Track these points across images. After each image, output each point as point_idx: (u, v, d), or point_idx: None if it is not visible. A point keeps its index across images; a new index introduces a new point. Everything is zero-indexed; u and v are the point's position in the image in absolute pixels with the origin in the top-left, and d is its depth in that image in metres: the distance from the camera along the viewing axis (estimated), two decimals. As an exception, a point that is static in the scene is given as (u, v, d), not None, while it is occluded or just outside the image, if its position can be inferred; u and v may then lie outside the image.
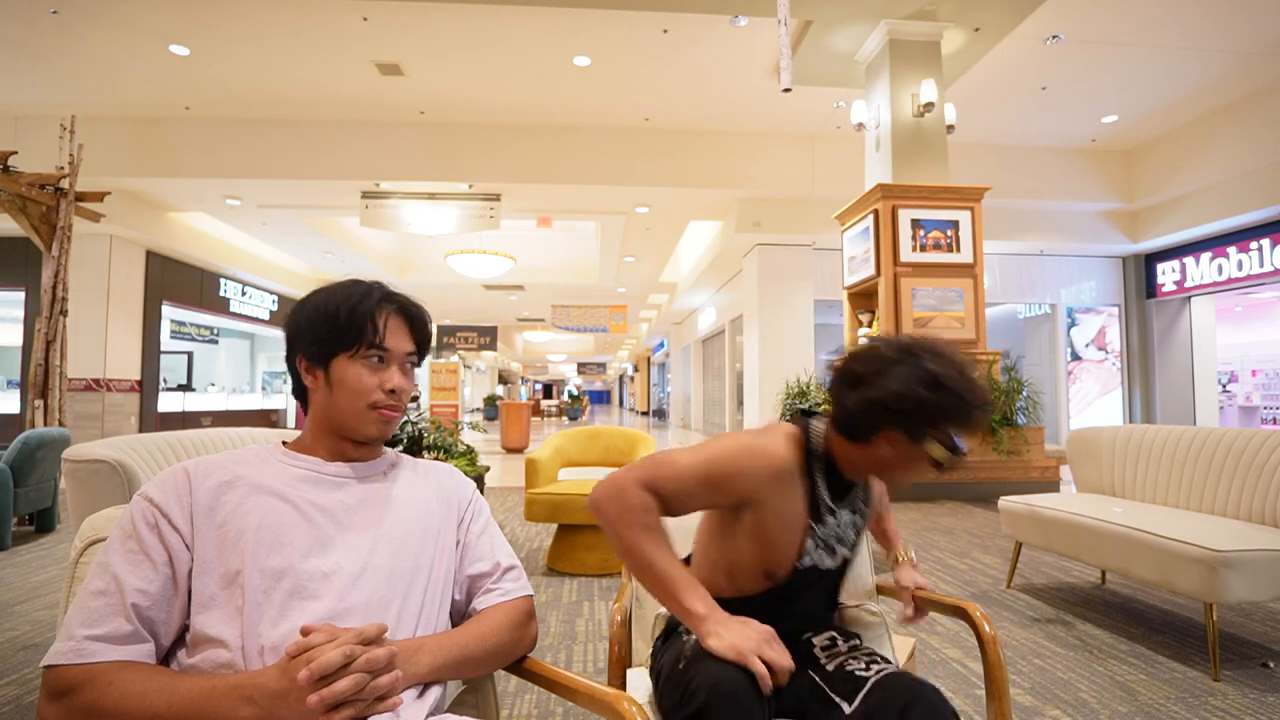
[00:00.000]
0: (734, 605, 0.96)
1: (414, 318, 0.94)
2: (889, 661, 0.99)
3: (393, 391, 0.89)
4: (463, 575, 0.93)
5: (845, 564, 1.11)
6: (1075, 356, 9.41)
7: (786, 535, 1.02)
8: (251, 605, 0.73)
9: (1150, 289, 9.11)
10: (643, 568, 0.95)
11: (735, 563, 1.06)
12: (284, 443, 0.91)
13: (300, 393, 0.93)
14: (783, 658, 0.86)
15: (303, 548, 0.79)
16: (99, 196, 5.27)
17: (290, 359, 0.91)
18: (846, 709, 0.91)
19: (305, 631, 0.70)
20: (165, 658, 0.75)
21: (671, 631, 1.10)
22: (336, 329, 0.87)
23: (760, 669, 0.83)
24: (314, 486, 0.85)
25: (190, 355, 12.73)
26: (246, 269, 10.30)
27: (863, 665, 0.97)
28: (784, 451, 1.00)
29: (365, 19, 5.31)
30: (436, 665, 0.79)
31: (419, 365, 0.96)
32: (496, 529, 1.00)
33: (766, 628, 0.90)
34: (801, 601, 1.08)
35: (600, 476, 3.52)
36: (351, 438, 0.90)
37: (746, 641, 0.86)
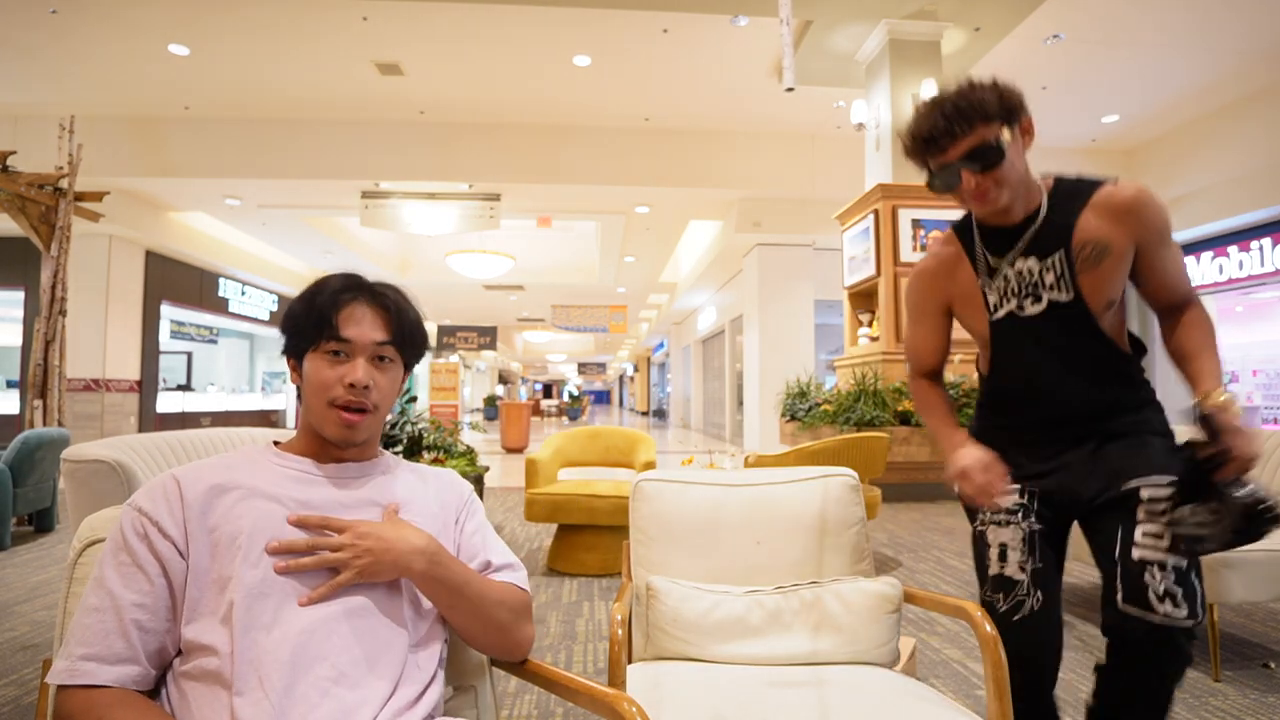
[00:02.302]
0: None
1: (386, 305, 0.87)
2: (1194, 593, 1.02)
3: (354, 386, 0.82)
4: None
5: (1068, 305, 1.11)
6: (1075, 356, 9.40)
7: (973, 304, 1.20)
8: (242, 611, 0.71)
9: (1150, 289, 9.09)
10: (928, 427, 1.26)
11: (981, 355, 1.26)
12: (275, 443, 0.89)
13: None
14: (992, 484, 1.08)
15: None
16: (98, 196, 5.27)
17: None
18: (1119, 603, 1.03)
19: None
20: (167, 667, 0.74)
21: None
22: (298, 324, 0.85)
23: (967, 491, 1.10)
24: (307, 488, 0.83)
25: (189, 355, 12.72)
26: (246, 269, 10.31)
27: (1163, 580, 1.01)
28: (937, 249, 1.25)
29: (365, 19, 5.31)
30: (440, 564, 0.81)
31: (412, 358, 0.91)
32: (492, 531, 0.97)
33: (983, 455, 1.11)
34: (1031, 354, 1.16)
35: (601, 477, 3.50)
36: (324, 439, 0.86)
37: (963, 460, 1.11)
